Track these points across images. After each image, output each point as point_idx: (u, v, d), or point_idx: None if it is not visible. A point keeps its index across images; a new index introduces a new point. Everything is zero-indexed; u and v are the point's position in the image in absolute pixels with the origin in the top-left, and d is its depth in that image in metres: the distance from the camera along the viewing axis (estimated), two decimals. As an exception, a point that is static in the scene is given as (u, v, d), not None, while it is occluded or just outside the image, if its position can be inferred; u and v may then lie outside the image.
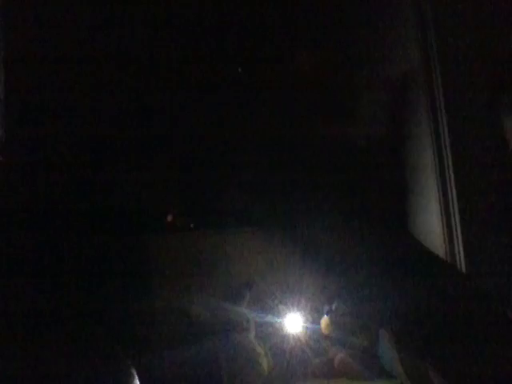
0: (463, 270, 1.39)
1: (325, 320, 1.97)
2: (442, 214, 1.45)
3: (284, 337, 1.99)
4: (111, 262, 1.98)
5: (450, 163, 1.41)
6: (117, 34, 2.20)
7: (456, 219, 1.41)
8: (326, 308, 2.03)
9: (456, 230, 1.45)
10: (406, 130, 1.75)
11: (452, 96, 1.43)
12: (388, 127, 1.93)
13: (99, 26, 2.19)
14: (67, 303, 1.74)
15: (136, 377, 1.38)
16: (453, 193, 1.41)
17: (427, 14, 1.49)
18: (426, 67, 1.51)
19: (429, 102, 1.52)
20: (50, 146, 2.06)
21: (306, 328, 2.01)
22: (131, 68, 2.24)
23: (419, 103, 1.58)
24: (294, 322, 2.02)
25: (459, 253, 1.43)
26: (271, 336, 1.99)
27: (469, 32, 1.40)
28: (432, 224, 1.53)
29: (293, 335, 1.99)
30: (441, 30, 1.46)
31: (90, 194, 2.11)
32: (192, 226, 2.30)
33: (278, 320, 2.02)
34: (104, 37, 2.20)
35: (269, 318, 2.03)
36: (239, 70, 2.41)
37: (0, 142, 1.93)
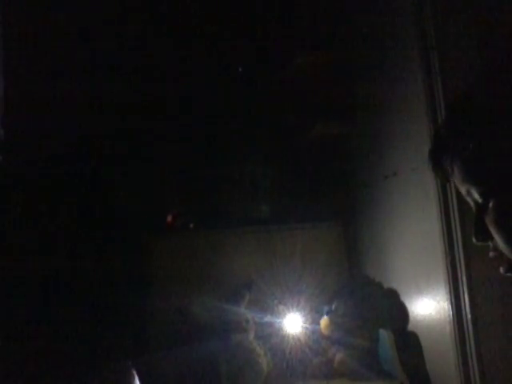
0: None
1: (324, 320, 1.97)
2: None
3: (284, 337, 1.99)
4: (111, 261, 1.97)
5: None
6: (118, 29, 2.20)
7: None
8: (326, 308, 2.03)
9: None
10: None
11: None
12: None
13: (98, 24, 2.19)
14: (67, 304, 1.74)
15: (136, 377, 1.38)
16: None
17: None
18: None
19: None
20: (49, 146, 2.05)
21: (306, 328, 2.01)
22: (131, 66, 2.24)
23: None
24: (293, 323, 2.02)
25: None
26: (271, 336, 1.99)
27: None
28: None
29: (292, 335, 1.99)
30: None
31: (90, 193, 2.11)
32: (192, 225, 2.30)
33: (278, 320, 2.02)
34: (104, 34, 2.20)
35: (268, 319, 2.03)
36: (239, 69, 2.41)
37: (0, 142, 1.93)
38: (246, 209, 2.36)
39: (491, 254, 0.73)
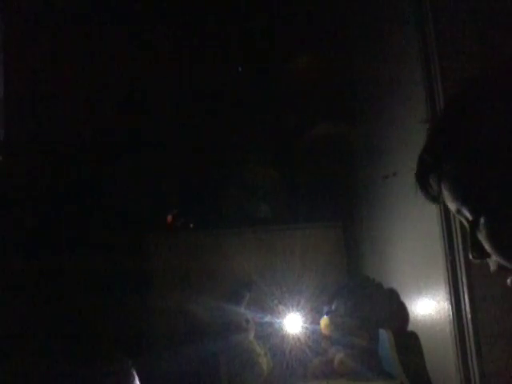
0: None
1: (324, 320, 1.97)
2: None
3: (284, 337, 1.99)
4: (111, 261, 1.97)
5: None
6: (118, 29, 2.20)
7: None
8: (326, 308, 2.03)
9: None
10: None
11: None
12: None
13: (98, 24, 2.19)
14: (67, 304, 1.74)
15: (136, 377, 1.38)
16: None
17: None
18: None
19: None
20: (50, 146, 2.06)
21: (306, 328, 2.01)
22: (131, 67, 2.24)
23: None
24: (293, 323, 2.02)
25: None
26: (271, 336, 1.99)
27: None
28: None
29: (292, 335, 1.99)
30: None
31: (90, 193, 2.11)
32: (192, 225, 2.30)
33: (278, 320, 2.02)
34: (104, 34, 2.20)
35: (268, 319, 2.02)
36: (239, 69, 2.41)
37: (0, 141, 1.93)
38: (246, 209, 2.36)
39: (492, 269, 0.73)
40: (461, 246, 1.43)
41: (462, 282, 1.42)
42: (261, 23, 2.34)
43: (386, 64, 1.87)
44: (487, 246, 0.70)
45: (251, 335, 1.93)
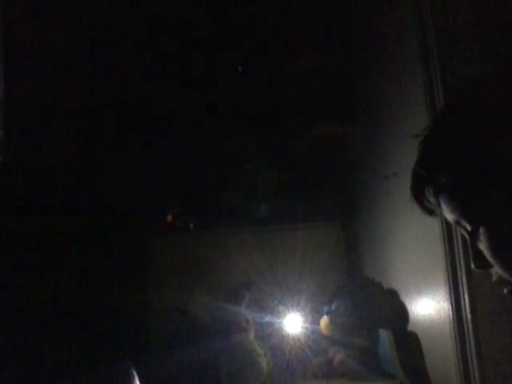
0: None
1: (324, 320, 1.97)
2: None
3: (284, 337, 1.99)
4: (111, 261, 1.97)
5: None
6: (117, 30, 2.20)
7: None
8: (326, 308, 2.03)
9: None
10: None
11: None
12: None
13: (98, 25, 2.19)
14: (67, 304, 1.74)
15: (136, 377, 1.38)
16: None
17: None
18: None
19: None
20: (49, 147, 2.06)
21: (306, 328, 2.01)
22: (131, 67, 2.24)
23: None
24: (293, 323, 2.02)
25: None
26: (271, 336, 1.99)
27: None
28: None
29: (292, 335, 1.99)
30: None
31: (90, 193, 2.11)
32: (192, 226, 2.30)
33: (278, 320, 2.02)
34: (103, 35, 2.20)
35: (268, 319, 2.03)
36: (239, 69, 2.41)
37: (0, 141, 1.93)
38: (246, 209, 2.36)
39: (494, 278, 0.73)
40: (461, 246, 1.43)
41: (462, 282, 1.42)
42: (261, 23, 2.34)
43: (386, 64, 1.87)
44: (488, 256, 0.70)
45: (251, 335, 1.93)
